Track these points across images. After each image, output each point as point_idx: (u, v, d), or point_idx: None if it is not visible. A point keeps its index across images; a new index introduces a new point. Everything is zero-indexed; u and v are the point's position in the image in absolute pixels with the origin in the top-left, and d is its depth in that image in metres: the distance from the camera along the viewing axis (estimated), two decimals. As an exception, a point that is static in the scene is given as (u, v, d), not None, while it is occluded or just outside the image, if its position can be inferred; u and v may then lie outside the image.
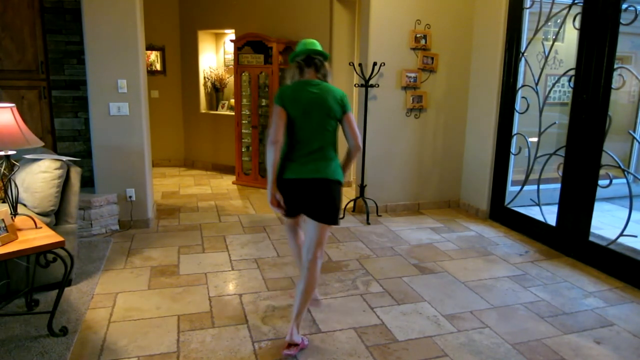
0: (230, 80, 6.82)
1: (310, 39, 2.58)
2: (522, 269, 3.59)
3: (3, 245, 2.27)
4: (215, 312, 2.83)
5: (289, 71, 2.58)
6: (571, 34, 4.14)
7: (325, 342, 2.54)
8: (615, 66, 3.41)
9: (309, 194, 2.44)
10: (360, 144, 2.53)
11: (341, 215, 4.80)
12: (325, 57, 2.54)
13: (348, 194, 5.65)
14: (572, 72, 3.73)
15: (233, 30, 6.40)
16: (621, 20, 3.33)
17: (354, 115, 2.55)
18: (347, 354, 2.44)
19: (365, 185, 4.80)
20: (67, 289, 3.02)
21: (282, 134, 2.43)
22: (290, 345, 2.40)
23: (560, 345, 2.56)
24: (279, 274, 3.38)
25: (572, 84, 3.74)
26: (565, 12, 3.90)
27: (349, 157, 2.58)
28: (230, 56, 6.63)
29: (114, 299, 2.95)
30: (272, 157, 2.39)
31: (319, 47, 2.54)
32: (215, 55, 7.05)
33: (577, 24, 3.67)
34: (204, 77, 6.85)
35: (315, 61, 2.50)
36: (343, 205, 5.03)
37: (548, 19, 4.15)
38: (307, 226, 2.51)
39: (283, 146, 2.46)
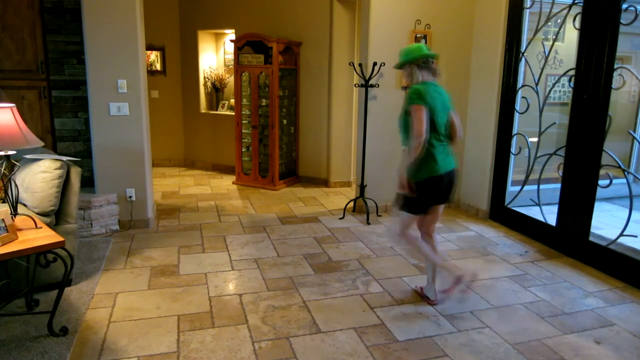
0: (230, 80, 6.82)
1: (418, 44, 2.86)
2: (522, 269, 3.59)
3: (3, 245, 2.27)
4: (215, 312, 2.83)
5: (411, 75, 2.80)
6: (571, 34, 4.14)
7: (325, 342, 2.54)
8: (615, 66, 3.41)
9: (452, 182, 2.81)
10: (461, 135, 2.91)
11: (341, 216, 4.81)
12: (436, 58, 2.83)
13: (348, 194, 5.65)
14: (572, 72, 3.73)
15: (233, 30, 6.41)
16: (621, 20, 3.33)
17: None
18: (347, 354, 2.44)
19: (366, 185, 4.80)
20: (67, 289, 3.02)
21: (426, 132, 2.67)
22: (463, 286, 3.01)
23: (560, 345, 2.56)
24: (279, 274, 3.38)
25: (572, 84, 3.74)
26: (565, 12, 3.90)
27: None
28: (230, 56, 6.64)
29: (114, 299, 2.95)
30: (417, 153, 2.65)
31: (428, 50, 2.81)
32: (215, 55, 7.05)
33: (577, 24, 3.67)
34: (204, 77, 6.85)
35: (430, 64, 2.78)
36: (343, 205, 5.03)
37: (548, 19, 4.15)
38: (434, 214, 2.91)
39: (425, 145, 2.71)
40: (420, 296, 3.08)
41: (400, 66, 2.86)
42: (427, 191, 2.76)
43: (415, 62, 2.77)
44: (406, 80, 2.88)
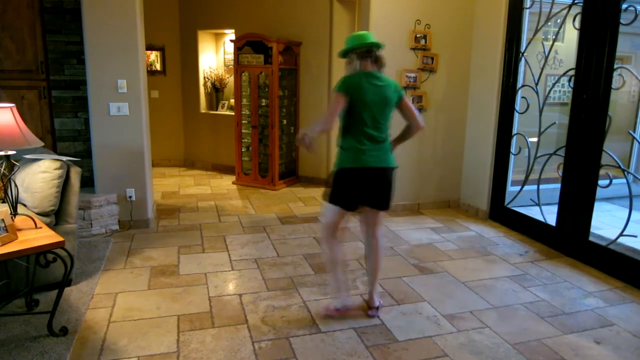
0: (230, 80, 6.82)
1: (363, 32, 2.68)
2: (522, 269, 3.59)
3: (3, 245, 2.27)
4: (215, 312, 2.83)
5: (349, 64, 2.64)
6: (571, 34, 4.14)
7: (325, 342, 2.54)
8: (615, 66, 3.41)
9: (375, 183, 2.63)
10: (422, 123, 2.70)
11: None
12: (381, 48, 2.64)
13: (348, 194, 5.65)
14: (572, 72, 3.73)
15: (233, 30, 6.40)
16: (621, 20, 3.33)
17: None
18: (347, 354, 2.44)
19: (365, 185, 4.80)
20: (67, 289, 3.02)
21: (335, 122, 2.53)
22: (372, 307, 2.82)
23: (560, 345, 2.56)
24: (279, 274, 3.38)
25: (572, 84, 3.74)
26: (565, 12, 3.90)
27: (407, 133, 2.77)
28: (230, 56, 6.64)
29: (114, 299, 2.95)
30: (316, 134, 2.50)
31: (373, 38, 2.63)
32: (215, 55, 7.05)
33: (577, 24, 3.67)
34: (204, 77, 6.85)
35: (374, 53, 2.60)
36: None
37: (548, 19, 4.15)
38: (367, 214, 2.76)
39: (347, 136, 2.61)
40: (329, 315, 2.83)
41: (343, 54, 2.68)
42: (345, 182, 2.61)
43: (357, 51, 2.60)
44: (346, 70, 2.68)
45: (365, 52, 2.60)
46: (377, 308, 2.84)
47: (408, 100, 2.70)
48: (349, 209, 2.68)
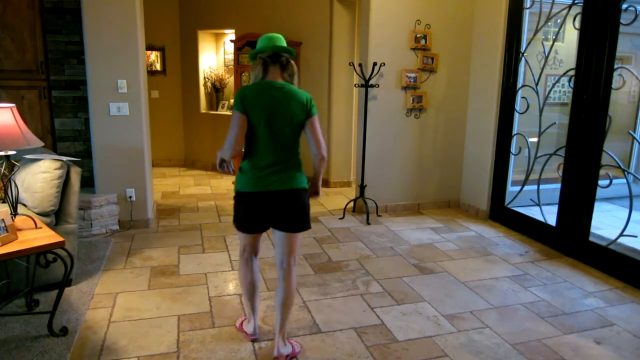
0: (230, 80, 6.83)
1: (275, 33, 2.28)
2: (522, 269, 3.59)
3: (3, 245, 2.27)
4: (215, 312, 2.83)
5: (252, 70, 2.25)
6: (571, 34, 4.14)
7: (325, 342, 2.54)
8: (615, 66, 3.41)
9: (276, 207, 2.24)
10: (324, 154, 2.32)
11: (341, 216, 4.80)
12: (292, 55, 2.27)
13: (348, 194, 5.66)
14: (572, 72, 3.73)
15: (233, 30, 6.41)
16: (621, 20, 3.33)
17: (329, 120, 2.34)
18: (347, 354, 2.44)
19: (365, 186, 4.80)
20: (67, 289, 3.02)
21: (241, 147, 2.19)
22: (278, 358, 2.33)
23: (560, 345, 2.56)
24: (279, 274, 3.38)
25: (572, 84, 3.74)
26: (565, 12, 3.91)
27: (315, 171, 2.39)
28: (230, 56, 6.64)
29: (114, 299, 2.95)
30: (223, 161, 2.26)
31: (284, 42, 2.27)
32: (215, 55, 7.05)
33: (577, 24, 3.67)
34: (204, 77, 6.85)
35: (281, 59, 2.23)
36: (343, 205, 5.03)
37: (548, 19, 4.15)
38: (277, 237, 2.32)
39: (246, 156, 2.28)
40: (238, 330, 2.65)
41: (250, 57, 2.28)
42: (242, 206, 2.28)
43: (262, 55, 2.21)
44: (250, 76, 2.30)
45: (271, 56, 2.21)
46: (287, 356, 2.35)
47: (317, 122, 2.29)
48: (251, 232, 2.36)
